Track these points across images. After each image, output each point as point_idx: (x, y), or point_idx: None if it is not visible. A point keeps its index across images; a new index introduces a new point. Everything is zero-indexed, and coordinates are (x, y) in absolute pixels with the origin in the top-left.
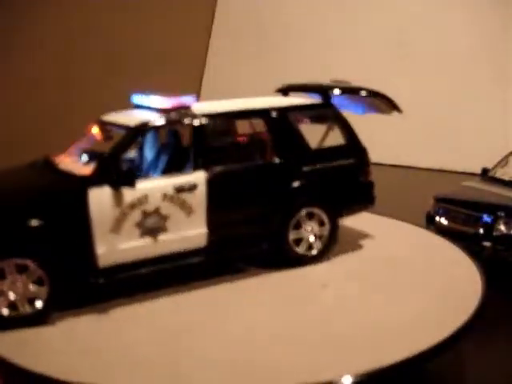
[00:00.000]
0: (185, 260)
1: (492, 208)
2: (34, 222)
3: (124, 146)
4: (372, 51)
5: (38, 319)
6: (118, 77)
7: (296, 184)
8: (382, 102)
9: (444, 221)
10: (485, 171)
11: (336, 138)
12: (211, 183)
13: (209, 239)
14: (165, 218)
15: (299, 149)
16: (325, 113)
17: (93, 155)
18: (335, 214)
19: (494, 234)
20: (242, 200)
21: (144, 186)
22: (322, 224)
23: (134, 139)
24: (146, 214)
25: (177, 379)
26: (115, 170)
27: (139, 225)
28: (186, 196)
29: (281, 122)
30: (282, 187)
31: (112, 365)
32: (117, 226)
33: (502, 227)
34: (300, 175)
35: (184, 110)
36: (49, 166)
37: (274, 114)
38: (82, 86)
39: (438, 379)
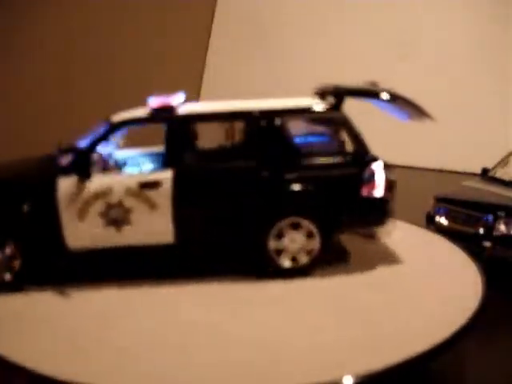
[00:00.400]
0: (154, 254)
1: (492, 208)
2: (14, 205)
3: (98, 139)
4: (372, 51)
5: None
6: (118, 77)
7: (277, 191)
8: (409, 108)
9: (444, 221)
10: (485, 171)
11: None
12: (178, 182)
13: (176, 237)
14: (128, 211)
15: (284, 154)
16: (331, 117)
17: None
18: (329, 227)
19: (494, 233)
20: (214, 202)
21: (109, 179)
22: (310, 236)
23: (109, 134)
24: (109, 206)
25: (176, 380)
26: (82, 162)
27: (103, 215)
28: (149, 192)
29: (264, 126)
30: (261, 193)
31: (112, 365)
32: (82, 213)
33: (502, 227)
34: (282, 182)
35: (166, 110)
36: (51, 157)
37: (255, 117)
38: (82, 86)
39: (438, 379)
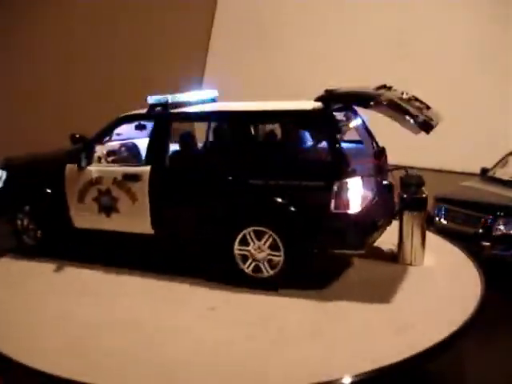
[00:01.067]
0: (138, 242)
1: (491, 208)
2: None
3: (102, 132)
4: (372, 51)
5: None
6: (118, 76)
7: (242, 197)
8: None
9: (444, 221)
10: (484, 171)
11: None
12: (154, 178)
13: (154, 229)
14: (115, 199)
15: (254, 159)
16: (312, 124)
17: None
18: (294, 241)
19: (494, 233)
20: (186, 200)
21: (101, 169)
22: (276, 248)
23: (112, 128)
24: (101, 193)
25: (176, 381)
26: (83, 153)
27: (96, 200)
28: (131, 184)
29: (235, 129)
30: (228, 198)
31: (111, 365)
32: (81, 197)
33: (502, 227)
34: (246, 188)
35: (158, 108)
36: (68, 148)
37: (229, 119)
38: (82, 86)
39: (437, 379)
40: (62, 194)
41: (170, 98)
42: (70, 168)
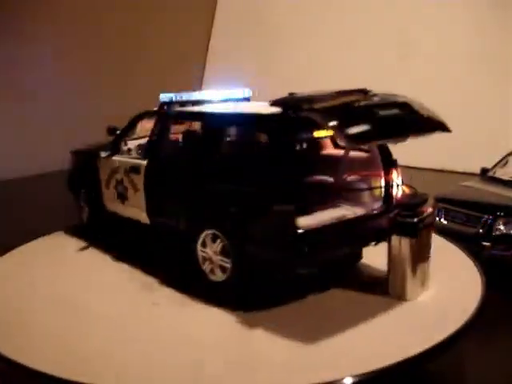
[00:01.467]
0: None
1: (492, 208)
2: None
3: (126, 127)
4: (372, 51)
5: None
6: (118, 76)
7: (199, 199)
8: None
9: (444, 221)
10: (484, 171)
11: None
12: (148, 172)
13: (149, 219)
14: (126, 188)
15: (209, 162)
16: (267, 128)
17: None
18: (243, 250)
19: (494, 233)
20: (169, 194)
21: (119, 160)
22: (226, 253)
23: (133, 123)
24: (117, 182)
25: (176, 381)
26: (113, 142)
27: (115, 188)
28: (133, 176)
29: (207, 130)
30: (192, 198)
31: (111, 366)
32: (107, 184)
33: (502, 227)
34: (204, 191)
35: (166, 106)
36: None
37: (203, 120)
38: (82, 86)
39: (437, 379)
40: (98, 178)
41: (183, 96)
42: (102, 156)
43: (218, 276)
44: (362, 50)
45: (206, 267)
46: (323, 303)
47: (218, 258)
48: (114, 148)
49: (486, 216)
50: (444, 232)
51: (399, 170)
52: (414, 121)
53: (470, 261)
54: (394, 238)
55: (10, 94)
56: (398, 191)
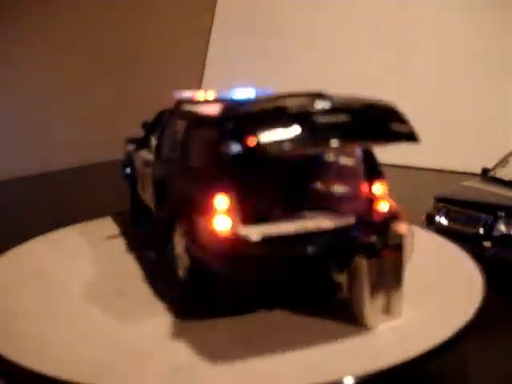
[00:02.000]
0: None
1: (492, 208)
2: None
3: (150, 126)
4: (372, 51)
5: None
6: (118, 76)
7: (170, 198)
8: None
9: (444, 221)
10: (485, 171)
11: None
12: (153, 167)
13: (155, 212)
14: (145, 182)
15: (179, 162)
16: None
17: None
18: (190, 251)
19: (494, 234)
20: (165, 191)
21: (143, 154)
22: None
23: (155, 121)
24: (141, 175)
25: (176, 381)
26: (142, 139)
27: (142, 180)
28: (147, 170)
29: (181, 130)
30: (171, 195)
31: (111, 366)
32: (139, 177)
33: (502, 227)
34: (172, 189)
35: (177, 105)
36: None
37: (190, 120)
38: (82, 87)
39: (438, 380)
40: (136, 170)
41: (198, 95)
42: (137, 154)
43: (180, 273)
44: (362, 50)
45: (179, 263)
46: (323, 303)
47: (184, 257)
48: (143, 142)
49: (486, 216)
50: (444, 232)
51: (384, 181)
52: (363, 129)
53: (470, 261)
54: (357, 259)
55: (11, 93)
56: (372, 205)
